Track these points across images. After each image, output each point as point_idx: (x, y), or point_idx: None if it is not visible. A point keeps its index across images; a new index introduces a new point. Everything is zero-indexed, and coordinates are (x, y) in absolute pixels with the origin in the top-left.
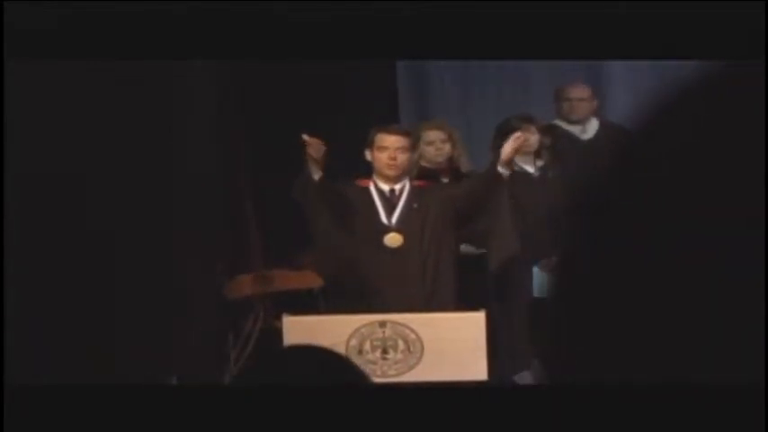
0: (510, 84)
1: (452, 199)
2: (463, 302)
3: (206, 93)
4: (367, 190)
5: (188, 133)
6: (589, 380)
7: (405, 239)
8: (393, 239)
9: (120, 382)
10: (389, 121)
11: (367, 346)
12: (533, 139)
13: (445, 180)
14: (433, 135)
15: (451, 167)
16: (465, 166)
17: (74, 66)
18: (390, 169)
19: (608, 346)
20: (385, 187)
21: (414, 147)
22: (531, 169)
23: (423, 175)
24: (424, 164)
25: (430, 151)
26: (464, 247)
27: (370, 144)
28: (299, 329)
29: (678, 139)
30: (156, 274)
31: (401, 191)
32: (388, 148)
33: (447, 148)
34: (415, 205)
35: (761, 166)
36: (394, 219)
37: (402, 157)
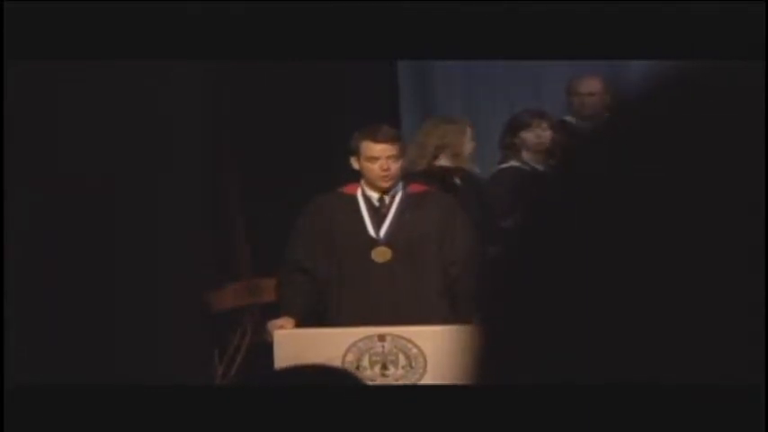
0: (517, 82)
1: (444, 214)
2: (457, 320)
3: (202, 94)
4: (354, 198)
5: (185, 135)
6: (587, 381)
7: (394, 254)
8: (381, 254)
9: (118, 382)
10: (391, 122)
11: (365, 361)
12: (546, 135)
13: (458, 181)
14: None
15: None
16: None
17: (74, 66)
18: (384, 181)
19: (608, 346)
20: (374, 195)
21: (438, 144)
22: (542, 168)
23: (434, 176)
24: (444, 163)
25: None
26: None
27: (355, 152)
28: (290, 343)
29: (677, 140)
30: (141, 282)
31: (392, 199)
32: (379, 158)
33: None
34: (407, 215)
35: (761, 166)
36: (382, 231)
37: (395, 166)
